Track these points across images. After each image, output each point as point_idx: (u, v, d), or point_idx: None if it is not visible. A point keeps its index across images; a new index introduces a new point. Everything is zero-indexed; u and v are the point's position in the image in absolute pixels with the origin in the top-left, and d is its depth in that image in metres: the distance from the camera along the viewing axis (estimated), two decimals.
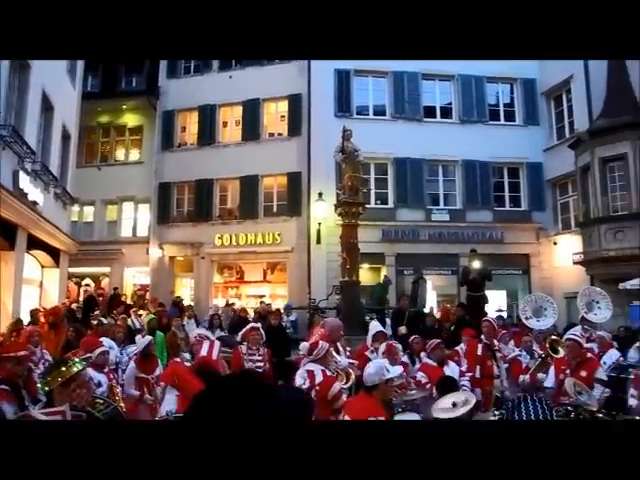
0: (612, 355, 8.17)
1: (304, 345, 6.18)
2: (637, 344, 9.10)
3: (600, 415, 5.41)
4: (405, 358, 7.55)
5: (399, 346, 7.26)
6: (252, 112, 19.90)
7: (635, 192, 15.36)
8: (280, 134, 20.05)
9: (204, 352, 6.80)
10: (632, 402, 6.07)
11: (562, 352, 7.08)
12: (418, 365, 7.45)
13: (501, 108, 20.17)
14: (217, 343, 7.23)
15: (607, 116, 16.35)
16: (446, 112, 19.74)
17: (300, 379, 5.44)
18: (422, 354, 7.62)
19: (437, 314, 14.04)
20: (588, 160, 16.29)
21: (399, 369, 4.95)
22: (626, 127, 15.60)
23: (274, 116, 20.35)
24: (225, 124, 20.79)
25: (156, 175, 20.38)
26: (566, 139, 18.27)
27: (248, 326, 7.82)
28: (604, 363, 7.61)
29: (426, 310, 13.96)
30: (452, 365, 7.31)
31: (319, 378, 5.14)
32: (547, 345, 7.34)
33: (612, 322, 13.45)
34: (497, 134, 19.23)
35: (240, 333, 7.91)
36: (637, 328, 10.73)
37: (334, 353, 6.03)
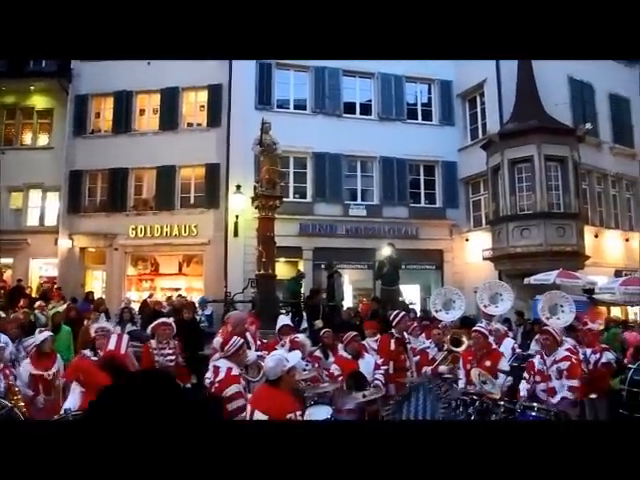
0: (507, 344, 8.55)
1: (217, 340, 6.09)
2: (537, 336, 9.59)
3: (502, 403, 5.69)
4: (318, 352, 7.59)
5: (304, 340, 7.24)
6: (170, 101, 19.37)
7: (540, 193, 16.18)
8: (199, 124, 19.66)
9: (111, 346, 6.56)
10: (523, 386, 6.41)
11: (465, 345, 7.37)
12: (332, 358, 7.48)
13: (419, 107, 20.67)
14: (125, 337, 7.00)
15: (516, 120, 17.13)
16: (365, 109, 20.00)
17: (208, 374, 5.38)
18: (339, 346, 7.66)
19: (359, 308, 14.24)
20: (498, 161, 16.99)
21: (298, 354, 4.92)
22: (533, 131, 16.41)
23: (193, 106, 19.91)
24: (142, 112, 20.10)
25: (67, 162, 19.41)
26: (479, 140, 18.99)
27: (158, 320, 7.66)
28: (503, 356, 7.94)
29: (343, 304, 14.11)
30: (367, 357, 7.37)
31: (221, 375, 5.04)
32: (448, 339, 7.60)
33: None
34: (414, 132, 19.70)
35: (150, 327, 7.74)
36: (535, 319, 11.25)
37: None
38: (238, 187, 16.98)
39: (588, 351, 7.62)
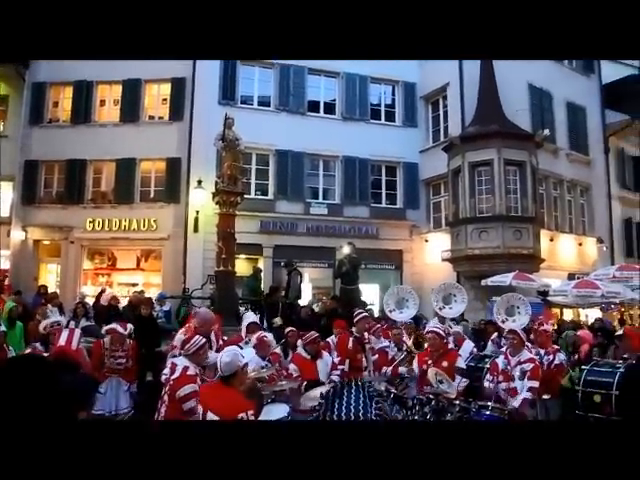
0: (467, 347, 8.70)
1: (179, 337, 5.99)
2: (493, 336, 9.77)
3: (457, 402, 5.77)
4: (278, 349, 7.54)
5: (271, 339, 7.17)
6: (132, 92, 18.98)
7: (499, 196, 16.49)
8: (161, 117, 19.31)
9: (62, 341, 6.41)
10: (487, 385, 6.51)
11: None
12: (291, 356, 7.44)
13: (382, 108, 20.77)
14: (77, 331, 6.87)
15: (477, 124, 17.41)
16: (330, 108, 20.01)
17: (165, 370, 5.28)
18: (298, 342, 7.60)
19: (317, 307, 14.23)
20: (459, 164, 17.23)
21: (252, 351, 4.87)
22: (493, 135, 16.71)
23: (155, 98, 19.55)
24: (102, 103, 19.61)
25: (22, 151, 18.80)
26: (440, 142, 19.21)
27: (112, 325, 7.50)
28: (460, 355, 8.07)
29: (299, 302, 14.10)
30: (325, 357, 7.32)
31: (177, 374, 4.95)
32: (411, 341, 7.68)
33: (474, 316, 14.45)
34: (377, 133, 19.82)
35: (105, 328, 7.60)
36: (489, 320, 11.49)
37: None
38: (199, 182, 16.81)
39: (542, 352, 7.79)
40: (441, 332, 7.26)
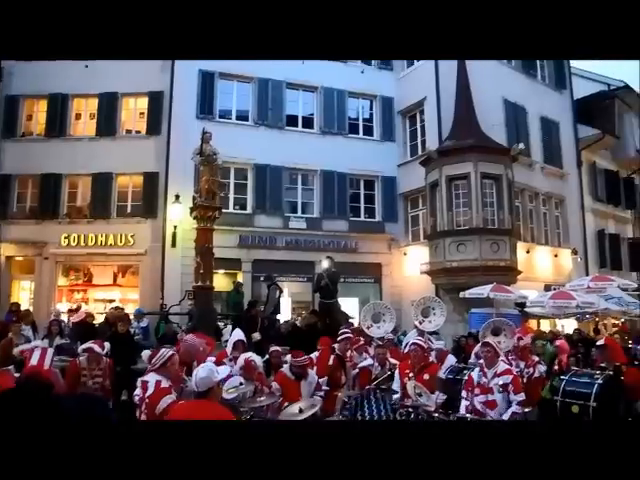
0: (449, 362, 8.72)
1: (145, 353, 5.87)
2: (476, 349, 9.80)
3: (436, 415, 5.75)
4: (261, 369, 7.39)
5: (259, 362, 7.00)
6: (109, 106, 18.82)
7: (476, 209, 16.64)
8: (138, 132, 19.20)
9: (34, 361, 6.25)
10: (463, 403, 6.49)
11: None
12: (273, 376, 7.24)
13: (360, 122, 20.91)
14: (50, 351, 6.68)
15: (454, 138, 17.61)
16: (308, 122, 20.08)
17: (137, 389, 5.13)
18: (287, 357, 7.39)
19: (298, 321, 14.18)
20: (436, 177, 17.37)
21: (228, 369, 4.79)
22: (470, 149, 16.90)
23: (133, 112, 19.42)
24: (78, 116, 19.43)
25: None
26: (418, 156, 19.38)
27: (89, 344, 7.29)
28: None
29: (279, 316, 14.03)
30: (310, 378, 7.04)
31: (150, 390, 4.82)
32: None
33: (453, 327, 14.52)
34: (355, 147, 19.96)
35: (82, 347, 7.40)
36: (474, 333, 11.57)
37: (184, 377, 5.63)
38: (177, 197, 16.72)
39: (522, 364, 7.84)
40: (423, 344, 7.26)
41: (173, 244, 17.10)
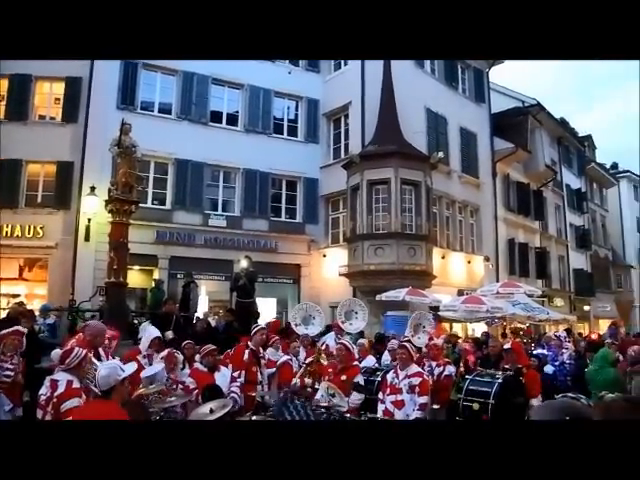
0: (369, 361, 8.95)
1: (56, 352, 5.59)
2: (388, 347, 10.04)
3: (348, 416, 5.81)
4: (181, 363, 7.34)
5: (180, 356, 7.02)
6: (21, 89, 17.71)
7: (394, 214, 17.00)
8: (53, 118, 18.24)
9: None
10: (380, 407, 6.61)
11: (324, 361, 7.58)
12: (187, 370, 7.26)
13: (285, 123, 20.90)
14: None
15: (377, 143, 17.93)
16: (232, 119, 19.85)
17: (43, 389, 4.89)
18: (196, 358, 7.52)
19: (213, 320, 13.99)
20: (358, 181, 17.61)
21: (134, 365, 4.66)
22: (391, 155, 17.25)
23: (47, 97, 18.43)
24: None
25: None
26: (341, 159, 19.57)
27: (12, 328, 6.87)
28: (363, 367, 8.24)
29: (196, 315, 13.82)
30: (224, 370, 7.31)
31: (60, 389, 4.62)
32: (317, 352, 7.73)
33: (369, 329, 14.73)
34: (279, 147, 19.94)
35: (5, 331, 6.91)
36: (389, 334, 11.84)
37: (94, 360, 5.47)
38: (92, 189, 16.07)
39: (433, 364, 8.08)
40: (349, 346, 7.38)
41: (86, 238, 16.40)
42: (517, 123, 24.95)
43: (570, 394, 3.21)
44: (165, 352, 6.79)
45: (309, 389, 7.30)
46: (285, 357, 8.60)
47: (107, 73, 17.61)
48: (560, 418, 2.17)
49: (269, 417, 5.32)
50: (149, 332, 7.55)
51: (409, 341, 8.14)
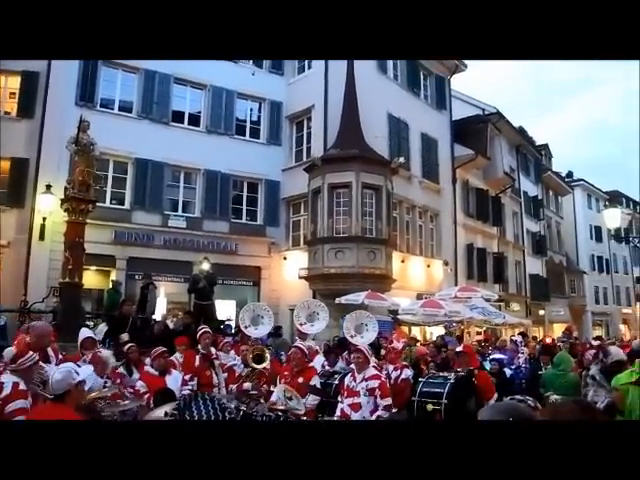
0: (318, 361, 8.92)
1: (9, 351, 5.44)
2: (344, 353, 10.06)
3: (305, 418, 5.81)
4: (121, 368, 7.16)
5: (108, 355, 6.75)
6: None
7: (355, 217, 17.10)
8: (7, 113, 17.66)
9: None
10: (339, 406, 6.63)
11: (267, 362, 7.53)
12: (137, 375, 7.13)
13: (248, 124, 20.83)
14: None
15: (339, 147, 18.00)
16: (194, 120, 19.67)
17: None
18: (147, 361, 7.38)
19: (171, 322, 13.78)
20: (319, 184, 17.65)
21: (89, 368, 4.57)
22: (353, 159, 17.35)
23: (2, 91, 17.90)
24: None
25: None
26: (303, 162, 19.59)
27: None
28: (317, 374, 8.23)
29: (154, 317, 13.62)
30: (175, 374, 7.20)
31: (6, 391, 4.50)
32: (250, 356, 7.63)
33: (328, 332, 14.75)
34: (241, 149, 19.85)
35: None
36: (343, 338, 11.85)
37: (42, 364, 5.33)
38: (48, 186, 15.68)
39: (390, 367, 8.15)
40: (304, 348, 7.38)
41: (41, 237, 15.98)
42: (477, 130, 25.43)
43: (518, 396, 3.29)
44: (89, 355, 6.52)
45: (254, 392, 7.26)
46: (232, 360, 8.61)
47: (66, 68, 17.17)
48: (505, 419, 2.22)
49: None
50: (82, 333, 7.35)
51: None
